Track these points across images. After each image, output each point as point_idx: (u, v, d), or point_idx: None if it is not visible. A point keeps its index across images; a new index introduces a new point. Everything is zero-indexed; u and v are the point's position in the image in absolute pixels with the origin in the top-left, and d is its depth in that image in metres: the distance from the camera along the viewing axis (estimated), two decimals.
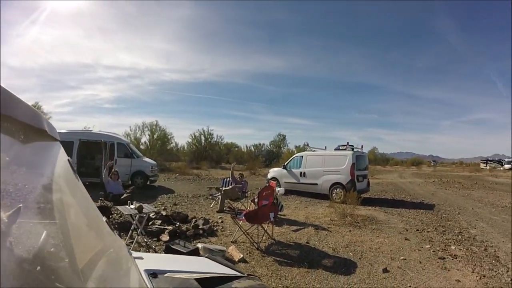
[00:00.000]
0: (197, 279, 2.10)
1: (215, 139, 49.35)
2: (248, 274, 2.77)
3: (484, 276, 6.66)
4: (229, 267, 2.90)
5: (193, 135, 48.53)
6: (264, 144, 54.95)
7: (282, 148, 54.31)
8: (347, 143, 17.59)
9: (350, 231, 10.02)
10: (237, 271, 2.83)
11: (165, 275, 2.12)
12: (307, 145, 19.99)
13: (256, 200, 9.13)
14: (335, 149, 17.81)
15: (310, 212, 13.00)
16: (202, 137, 48.21)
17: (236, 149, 56.50)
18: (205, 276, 2.23)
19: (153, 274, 2.08)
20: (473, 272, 6.90)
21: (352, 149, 17.18)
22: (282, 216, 11.64)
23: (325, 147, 18.81)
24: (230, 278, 2.40)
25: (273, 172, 19.99)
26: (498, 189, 23.78)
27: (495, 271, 6.94)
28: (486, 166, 65.99)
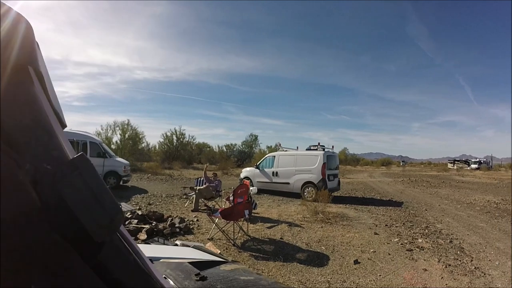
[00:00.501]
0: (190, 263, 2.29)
1: (187, 139, 49.17)
2: (232, 260, 2.98)
3: (450, 265, 7.12)
4: (214, 255, 3.09)
5: (164, 135, 48.22)
6: (236, 144, 55.02)
7: (254, 148, 54.51)
8: (319, 143, 18.07)
9: (322, 227, 10.33)
10: (222, 257, 3.03)
11: (160, 260, 2.30)
12: (279, 145, 20.31)
13: (231, 198, 9.34)
14: (306, 149, 18.25)
15: (283, 210, 13.27)
16: (174, 137, 47.94)
17: (208, 149, 56.40)
18: (196, 261, 2.41)
19: (149, 259, 2.26)
20: (439, 261, 7.35)
21: (323, 149, 17.63)
22: (256, 214, 11.87)
23: (297, 147, 19.21)
24: (217, 263, 2.59)
25: (246, 171, 20.22)
26: (464, 187, 24.78)
27: (460, 261, 7.41)
28: (453, 166, 68.60)
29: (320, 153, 16.92)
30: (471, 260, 7.40)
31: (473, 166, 65.87)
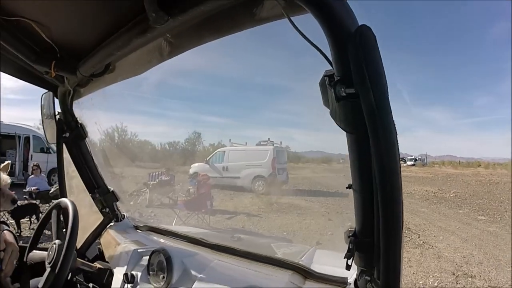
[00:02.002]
0: None
1: (129, 136, 47.79)
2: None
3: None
4: None
5: (106, 131, 46.41)
6: (179, 142, 54.20)
7: (197, 146, 53.99)
8: (268, 138, 18.39)
9: (278, 216, 10.74)
10: None
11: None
12: (230, 141, 20.49)
13: (191, 190, 9.54)
14: (256, 145, 18.58)
15: (237, 202, 13.55)
16: (116, 134, 46.48)
17: (150, 147, 55.14)
18: None
19: None
20: None
21: (273, 144, 18.05)
22: (211, 208, 12.10)
23: (246, 143, 19.48)
24: None
25: (195, 167, 20.10)
26: (403, 180, 26.12)
27: (409, 237, 8.22)
28: None
29: (270, 148, 17.33)
30: (419, 236, 8.22)
31: (409, 163, 69.68)
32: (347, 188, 1.25)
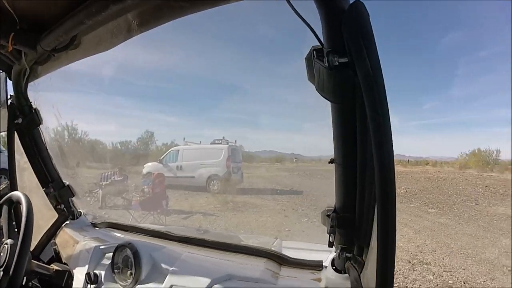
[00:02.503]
0: None
1: (79, 135, 46.10)
2: None
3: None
4: None
5: (55, 130, 44.68)
6: (131, 141, 52.87)
7: (150, 146, 52.93)
8: (223, 137, 18.27)
9: (234, 214, 10.75)
10: None
11: None
12: (184, 139, 20.16)
13: (146, 189, 9.31)
14: (211, 143, 18.43)
15: (192, 202, 13.38)
16: (66, 132, 44.70)
17: (101, 146, 53.44)
18: None
19: None
20: None
21: (227, 143, 17.98)
22: (166, 208, 11.90)
23: (200, 141, 19.28)
24: None
25: (148, 167, 19.65)
26: None
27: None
28: None
29: (225, 146, 17.24)
30: None
31: None
32: (329, 163, 1.24)
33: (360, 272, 1.27)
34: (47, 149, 2.45)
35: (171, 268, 1.70)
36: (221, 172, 16.62)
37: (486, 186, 18.48)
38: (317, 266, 1.65)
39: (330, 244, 1.31)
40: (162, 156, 18.86)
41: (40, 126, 2.35)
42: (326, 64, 0.97)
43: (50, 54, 1.81)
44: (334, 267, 1.47)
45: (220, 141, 17.90)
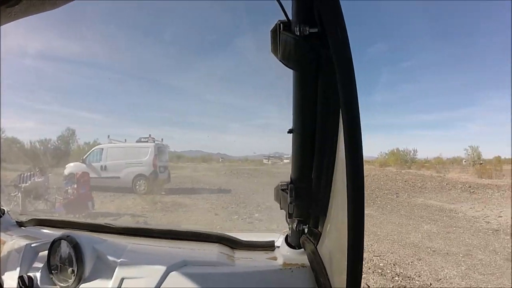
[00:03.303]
0: None
1: None
2: None
3: (285, 233, 8.19)
4: None
5: None
6: (51, 140, 49.67)
7: (71, 144, 50.14)
8: (149, 135, 17.68)
9: (164, 215, 10.57)
10: None
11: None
12: (108, 137, 19.23)
13: (70, 190, 8.73)
14: (137, 141, 17.76)
15: (119, 204, 12.89)
16: None
17: (18, 145, 49.65)
18: None
19: None
20: (277, 227, 8.27)
21: (154, 141, 17.44)
22: (92, 211, 11.32)
23: (125, 139, 18.52)
24: None
25: (71, 167, 18.47)
26: (280, 176, 27.60)
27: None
28: (268, 161, 75.23)
29: (151, 145, 16.74)
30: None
31: (286, 161, 73.47)
32: (288, 132, 1.25)
33: (317, 245, 1.28)
34: None
35: (119, 260, 1.49)
36: (148, 171, 16.16)
37: (405, 181, 20.04)
38: (269, 246, 1.62)
39: (290, 216, 1.31)
40: (85, 155, 17.73)
41: None
42: (297, 34, 1.01)
43: None
44: (288, 244, 1.48)
45: (147, 139, 17.31)
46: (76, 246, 1.52)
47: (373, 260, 7.28)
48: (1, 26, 1.73)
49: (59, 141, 49.97)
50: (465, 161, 32.14)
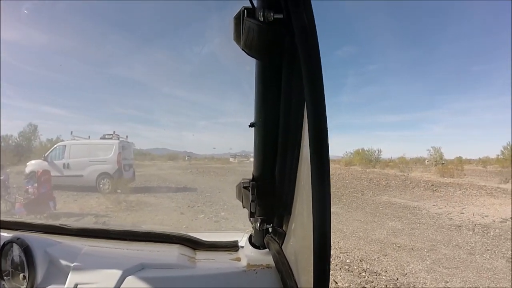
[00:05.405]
0: None
1: None
2: None
3: (248, 232, 8.31)
4: None
5: None
6: (12, 136, 47.74)
7: (33, 141, 48.36)
8: (114, 131, 17.20)
9: (129, 214, 10.42)
10: None
11: None
12: (71, 133, 18.62)
13: (30, 189, 8.37)
14: (100, 138, 17.28)
15: (82, 203, 12.55)
16: None
17: None
18: None
19: None
20: (244, 226, 8.29)
21: (118, 138, 17.03)
22: (54, 211, 10.96)
23: (89, 136, 17.97)
24: None
25: (32, 165, 17.78)
26: (246, 174, 27.76)
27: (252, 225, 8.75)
28: (235, 160, 75.42)
29: (115, 142, 16.32)
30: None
31: (252, 159, 74.34)
32: (249, 126, 1.22)
33: (281, 244, 1.28)
34: None
35: (72, 264, 1.40)
36: (112, 169, 15.81)
37: (370, 180, 20.54)
38: (233, 246, 1.61)
39: (252, 215, 1.30)
40: (47, 153, 17.03)
41: None
42: (261, 19, 0.96)
43: None
44: (252, 244, 1.46)
45: (111, 136, 16.87)
46: (27, 250, 1.45)
47: (340, 257, 7.42)
48: None
49: (20, 138, 48.07)
50: (427, 161, 33.49)
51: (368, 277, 6.60)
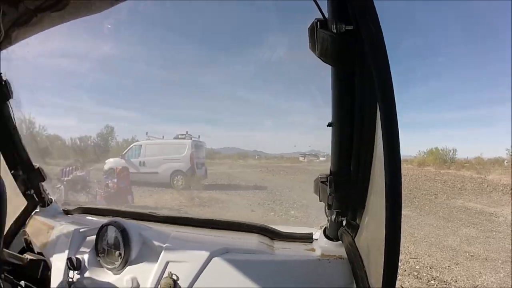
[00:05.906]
0: None
1: (36, 129, 44.19)
2: None
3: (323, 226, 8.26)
4: None
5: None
6: (91, 137, 51.15)
7: (110, 141, 51.45)
8: (187, 132, 17.90)
9: (201, 209, 10.78)
10: None
11: None
12: (146, 134, 19.66)
13: (110, 184, 9.05)
14: (174, 138, 18.06)
15: (157, 198, 13.17)
16: (24, 126, 42.68)
17: (59, 142, 51.45)
18: None
19: None
20: (314, 223, 8.37)
21: (191, 138, 17.68)
22: (132, 204, 11.66)
23: (163, 136, 18.86)
24: None
25: (110, 162, 19.03)
26: (316, 174, 27.37)
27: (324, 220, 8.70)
28: (304, 159, 74.46)
29: (188, 141, 16.97)
30: (328, 217, 8.93)
31: (322, 159, 72.41)
32: (327, 126, 1.29)
33: (354, 237, 1.34)
34: (15, 127, 2.13)
35: (164, 245, 1.63)
36: (185, 167, 16.38)
37: (444, 182, 19.38)
38: (307, 238, 1.72)
39: (329, 207, 1.37)
40: (125, 151, 18.22)
41: (10, 101, 2.09)
42: (334, 31, 1.06)
43: (33, 15, 1.61)
44: (326, 236, 1.55)
45: (184, 136, 17.55)
46: (123, 231, 1.68)
47: (409, 262, 7.15)
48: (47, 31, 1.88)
49: (98, 138, 51.04)
50: (507, 162, 30.61)
51: (437, 285, 6.33)
